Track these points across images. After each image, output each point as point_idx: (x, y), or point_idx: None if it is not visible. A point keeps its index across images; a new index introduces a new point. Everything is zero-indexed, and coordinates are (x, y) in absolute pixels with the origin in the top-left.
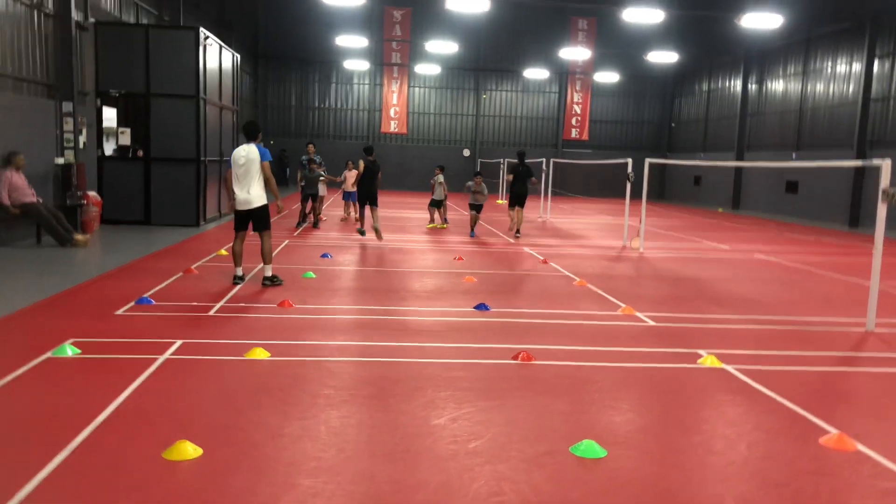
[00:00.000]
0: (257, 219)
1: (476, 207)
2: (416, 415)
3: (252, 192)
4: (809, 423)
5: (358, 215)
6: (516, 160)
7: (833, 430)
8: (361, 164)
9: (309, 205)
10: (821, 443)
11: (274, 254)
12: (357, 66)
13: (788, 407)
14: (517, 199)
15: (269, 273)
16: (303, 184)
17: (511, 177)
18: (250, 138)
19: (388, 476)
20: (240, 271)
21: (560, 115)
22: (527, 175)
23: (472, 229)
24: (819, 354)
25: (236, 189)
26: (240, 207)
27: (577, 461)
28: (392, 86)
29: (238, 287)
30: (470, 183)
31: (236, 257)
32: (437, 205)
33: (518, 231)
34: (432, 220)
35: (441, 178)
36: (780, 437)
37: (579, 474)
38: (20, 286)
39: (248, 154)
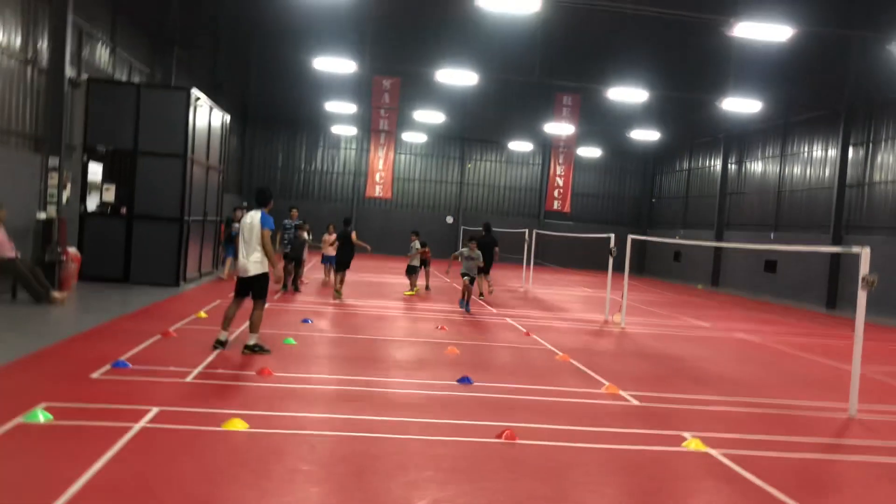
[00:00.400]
0: (254, 287)
1: (470, 277)
2: (396, 495)
3: (251, 260)
4: None
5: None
6: (482, 230)
7: None
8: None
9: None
10: None
11: None
12: (345, 131)
13: (773, 494)
14: (482, 268)
15: (251, 342)
16: (287, 249)
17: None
18: (260, 204)
19: None
20: (224, 335)
21: (543, 187)
22: (492, 245)
23: (465, 301)
24: (804, 441)
25: (239, 254)
26: (240, 274)
27: None
28: (378, 151)
29: (217, 352)
30: (463, 249)
31: (226, 320)
32: (412, 271)
33: (489, 292)
34: (411, 287)
35: (416, 244)
36: None
37: None
38: None
39: (252, 220)
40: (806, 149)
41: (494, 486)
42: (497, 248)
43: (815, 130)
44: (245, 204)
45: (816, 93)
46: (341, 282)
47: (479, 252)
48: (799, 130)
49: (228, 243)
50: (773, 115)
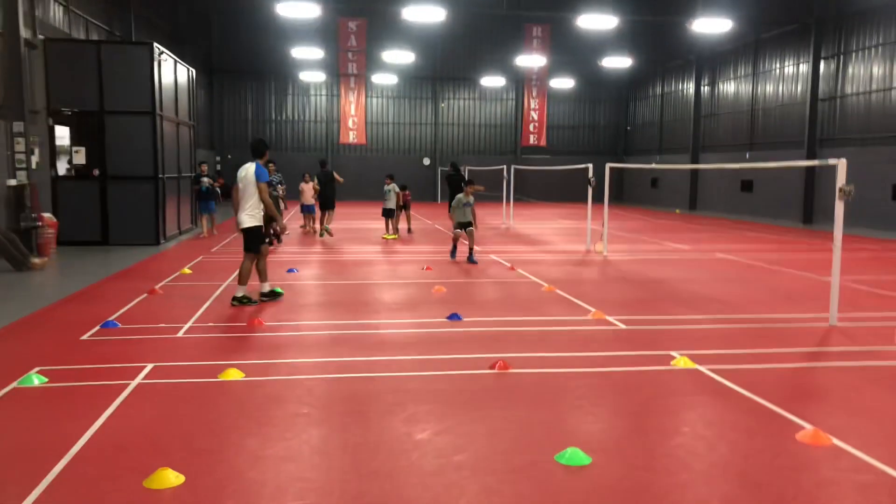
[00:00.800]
0: (246, 239)
1: (465, 224)
2: (398, 430)
3: (245, 212)
4: (784, 420)
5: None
6: (449, 169)
7: (808, 426)
8: (315, 177)
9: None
10: (797, 439)
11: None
12: (313, 77)
13: (763, 405)
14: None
15: (239, 293)
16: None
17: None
18: (255, 156)
19: (377, 495)
20: (241, 290)
21: (518, 122)
22: (459, 182)
23: (455, 252)
24: (787, 351)
25: (238, 208)
26: (238, 227)
27: (563, 469)
28: (349, 96)
29: (205, 307)
30: (460, 195)
31: (241, 276)
32: (388, 214)
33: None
34: (387, 231)
35: (391, 186)
36: (757, 435)
37: (566, 482)
38: None
39: (247, 173)
40: (777, 65)
41: (492, 415)
42: (473, 185)
43: (785, 46)
44: (218, 159)
45: (786, 7)
46: (329, 221)
47: (472, 197)
48: (770, 47)
49: (199, 199)
50: (743, 33)
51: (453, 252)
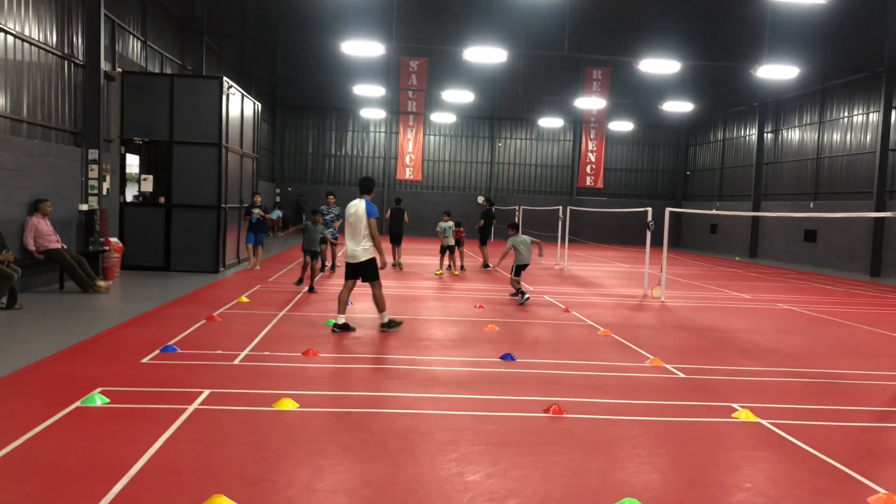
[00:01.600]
0: (365, 272)
1: (522, 268)
2: (449, 470)
3: (359, 247)
4: (856, 482)
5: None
6: (484, 203)
7: (882, 491)
8: (388, 210)
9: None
10: (870, 503)
11: (294, 301)
12: (373, 114)
13: (832, 464)
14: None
15: (385, 319)
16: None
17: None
18: (363, 192)
19: None
20: (342, 319)
21: (575, 163)
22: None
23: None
24: (856, 409)
25: (347, 241)
26: (348, 260)
27: None
28: (408, 133)
29: (262, 335)
30: (518, 237)
31: (340, 304)
32: (448, 250)
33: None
34: (441, 266)
35: (449, 224)
36: (825, 496)
37: None
38: (45, 332)
39: (357, 209)
40: (846, 113)
41: (546, 459)
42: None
43: (854, 94)
44: (278, 191)
45: (855, 55)
46: (399, 255)
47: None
48: (838, 95)
49: (250, 231)
50: (810, 80)
51: (523, 294)
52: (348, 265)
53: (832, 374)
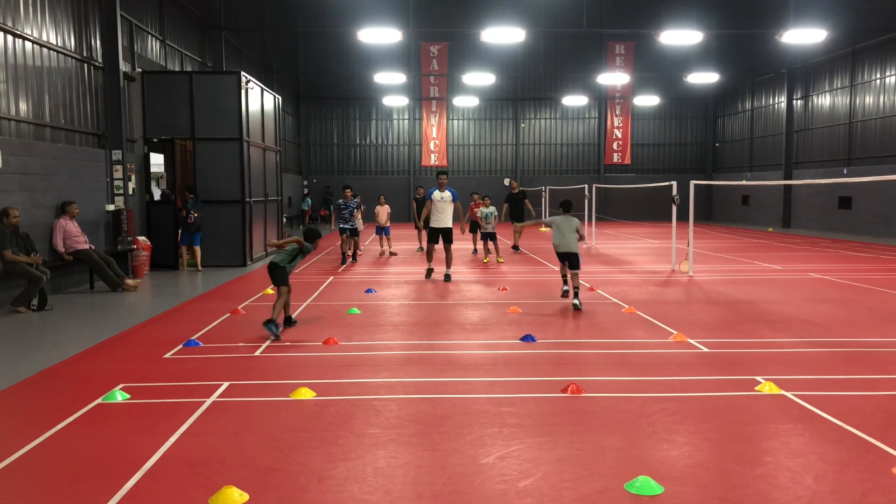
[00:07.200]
0: (446, 235)
1: (562, 256)
2: (463, 453)
3: (446, 220)
4: (880, 452)
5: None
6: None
7: None
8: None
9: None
10: (895, 473)
11: (318, 292)
12: (396, 101)
13: (856, 435)
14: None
15: (448, 271)
16: (349, 227)
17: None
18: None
19: None
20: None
21: (601, 141)
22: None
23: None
24: (885, 377)
25: (435, 215)
26: (435, 225)
27: (633, 499)
28: (431, 119)
29: (284, 328)
30: (559, 217)
31: (429, 256)
32: (490, 237)
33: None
34: (486, 255)
35: (491, 209)
36: (848, 467)
37: None
38: (74, 332)
39: (443, 196)
40: (878, 75)
41: (561, 440)
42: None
43: (886, 55)
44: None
45: (885, 14)
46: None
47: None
48: (869, 56)
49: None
50: (839, 43)
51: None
52: (433, 230)
53: (863, 342)
